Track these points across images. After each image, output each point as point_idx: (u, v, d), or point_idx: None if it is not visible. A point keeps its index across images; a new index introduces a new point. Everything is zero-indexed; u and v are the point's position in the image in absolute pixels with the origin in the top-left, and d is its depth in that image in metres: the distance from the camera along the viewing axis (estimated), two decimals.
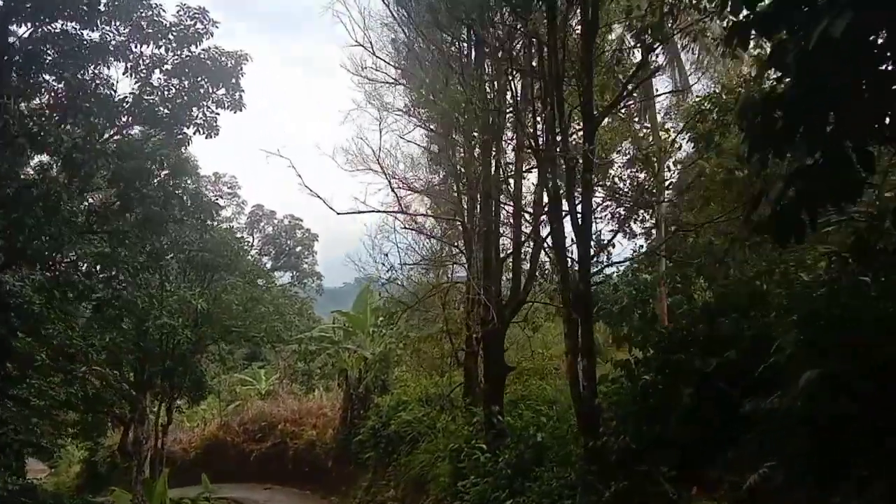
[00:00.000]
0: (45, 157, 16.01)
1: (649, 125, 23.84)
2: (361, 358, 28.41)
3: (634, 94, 13.70)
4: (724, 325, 8.79)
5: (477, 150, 14.04)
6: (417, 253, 17.17)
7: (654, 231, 28.41)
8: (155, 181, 15.31)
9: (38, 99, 16.30)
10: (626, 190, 25.66)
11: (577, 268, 10.92)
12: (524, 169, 14.55)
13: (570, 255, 11.38)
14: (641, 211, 27.69)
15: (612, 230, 29.13)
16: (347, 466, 27.49)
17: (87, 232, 15.25)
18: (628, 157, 24.17)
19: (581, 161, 10.23)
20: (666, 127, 20.73)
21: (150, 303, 21.28)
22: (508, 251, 15.58)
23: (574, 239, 11.16)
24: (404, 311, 17.87)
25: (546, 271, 19.77)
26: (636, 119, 22.69)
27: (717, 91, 15.71)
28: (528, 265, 14.94)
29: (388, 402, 23.99)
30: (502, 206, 15.09)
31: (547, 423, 13.88)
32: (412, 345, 25.20)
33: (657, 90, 21.46)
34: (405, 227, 16.36)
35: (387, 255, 16.47)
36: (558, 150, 10.37)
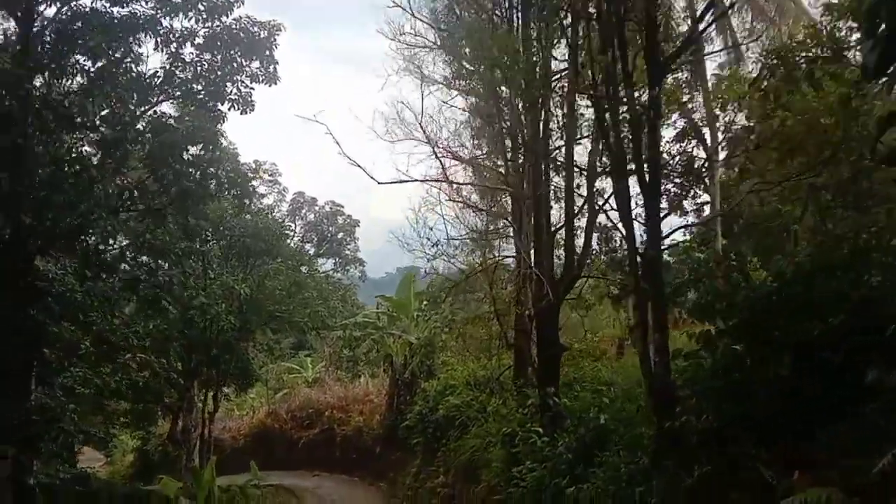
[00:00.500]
0: (78, 138, 15.27)
1: (701, 95, 22.33)
2: (406, 343, 27.45)
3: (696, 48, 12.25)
4: (824, 287, 7.46)
5: (524, 109, 12.74)
6: (464, 226, 16.00)
7: (706, 207, 26.85)
8: (189, 157, 14.43)
9: (70, 80, 15.56)
10: (676, 165, 24.20)
11: (644, 232, 9.64)
12: (577, 130, 13.25)
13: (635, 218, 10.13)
14: (693, 187, 26.27)
15: (662, 208, 27.60)
16: (395, 452, 26.62)
17: (120, 210, 14.47)
18: (678, 129, 22.70)
19: (648, 110, 8.94)
20: (719, 94, 19.22)
21: (194, 289, 20.62)
22: (560, 223, 14.30)
23: (638, 201, 9.94)
24: (450, 291, 16.77)
25: (602, 243, 18.54)
26: (685, 90, 21.14)
27: (786, 44, 14.28)
28: (583, 237, 13.68)
29: (434, 386, 22.94)
30: (553, 171, 13.83)
31: (609, 404, 12.63)
32: (458, 328, 24.19)
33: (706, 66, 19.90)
34: (450, 199, 15.21)
35: (431, 228, 15.35)
36: (623, 97, 9.11)
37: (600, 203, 13.78)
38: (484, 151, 15.52)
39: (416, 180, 14.57)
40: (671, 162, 23.98)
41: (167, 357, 26.53)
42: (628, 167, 9.62)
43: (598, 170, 13.02)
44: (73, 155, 13.91)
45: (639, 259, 9.69)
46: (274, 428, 33.36)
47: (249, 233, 21.52)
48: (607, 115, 9.64)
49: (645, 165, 9.31)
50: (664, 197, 27.25)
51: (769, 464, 7.55)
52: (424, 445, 23.07)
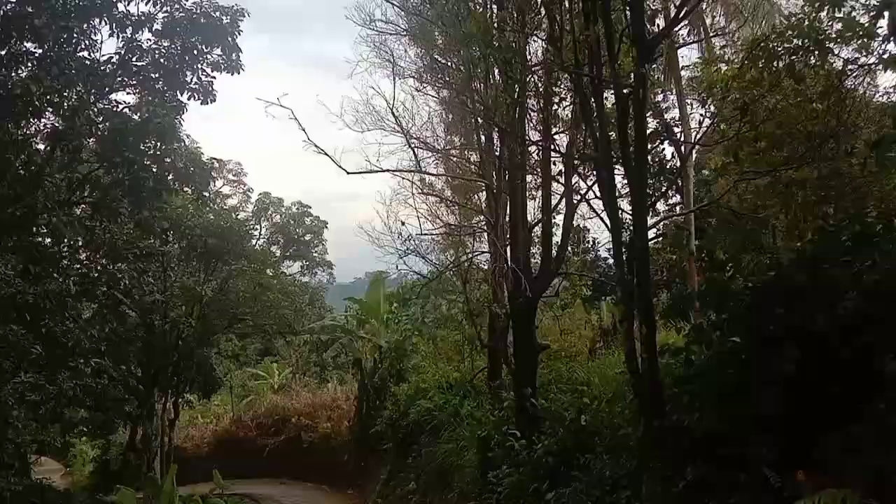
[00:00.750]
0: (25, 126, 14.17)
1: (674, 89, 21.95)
2: (376, 347, 26.64)
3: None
4: (833, 273, 6.89)
5: (501, 93, 12.02)
6: (440, 220, 15.27)
7: (678, 208, 26.50)
8: (145, 148, 13.44)
9: (19, 67, 14.47)
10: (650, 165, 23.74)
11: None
12: (556, 117, 12.61)
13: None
14: (664, 188, 25.91)
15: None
16: (364, 459, 25.75)
17: (70, 203, 13.41)
18: (650, 130, 22.25)
19: (636, 90, 8.32)
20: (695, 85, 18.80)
21: (153, 292, 19.55)
22: (537, 218, 13.66)
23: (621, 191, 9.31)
24: (422, 288, 15.98)
25: (574, 243, 17.95)
26: (657, 89, 20.69)
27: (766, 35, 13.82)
28: (561, 233, 13.04)
29: (405, 390, 22.15)
30: (529, 166, 13.18)
31: (590, 404, 11.99)
32: (430, 329, 23.46)
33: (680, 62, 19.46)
34: (423, 192, 14.49)
35: (403, 223, 14.60)
36: (608, 78, 8.48)
37: (579, 196, 13.13)
38: (458, 143, 14.82)
39: (387, 170, 13.82)
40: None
41: (126, 363, 25.32)
42: (613, 153, 9.01)
43: (577, 160, 12.37)
44: (19, 143, 12.84)
45: (624, 251, 9.06)
46: (239, 435, 32.22)
47: (212, 232, 20.51)
48: (591, 98, 9.03)
49: (632, 150, 8.69)
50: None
51: (773, 465, 6.95)
52: (395, 451, 22.26)
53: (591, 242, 25.73)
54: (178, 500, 21.05)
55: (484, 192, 14.31)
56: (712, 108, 16.69)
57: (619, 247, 8.99)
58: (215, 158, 23.50)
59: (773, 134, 11.03)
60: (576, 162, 12.95)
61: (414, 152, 13.69)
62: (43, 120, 14.34)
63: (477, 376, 17.96)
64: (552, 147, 12.52)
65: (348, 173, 13.58)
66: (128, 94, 14.17)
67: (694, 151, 21.94)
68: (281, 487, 28.31)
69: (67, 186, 13.22)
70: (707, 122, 17.88)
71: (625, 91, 8.63)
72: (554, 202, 13.36)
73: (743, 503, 7.09)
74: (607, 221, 9.35)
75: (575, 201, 12.92)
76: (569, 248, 16.92)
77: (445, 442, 17.50)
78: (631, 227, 9.61)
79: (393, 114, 13.22)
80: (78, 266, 17.05)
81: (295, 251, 29.54)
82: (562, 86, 11.64)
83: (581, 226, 20.15)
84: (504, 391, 17.04)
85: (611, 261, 25.40)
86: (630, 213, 9.49)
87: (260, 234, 28.28)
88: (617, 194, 9.93)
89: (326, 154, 13.37)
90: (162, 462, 23.85)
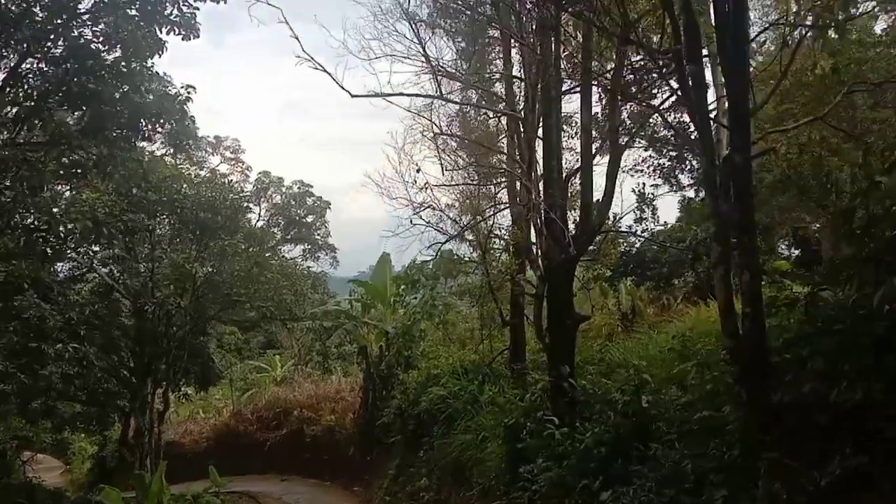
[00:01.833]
0: None
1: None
2: (382, 333, 24.17)
3: None
4: None
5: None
6: (466, 159, 12.66)
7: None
8: (119, 93, 11.00)
9: None
10: (670, 137, 21.26)
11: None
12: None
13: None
14: (689, 160, 23.43)
15: (654, 185, 24.58)
16: (371, 453, 23.26)
17: (14, 145, 10.93)
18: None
19: None
20: None
21: (141, 272, 17.12)
22: (575, 166, 11.18)
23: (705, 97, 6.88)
24: (439, 249, 13.52)
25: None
26: None
27: None
28: (605, 181, 10.58)
29: (414, 378, 19.67)
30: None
31: (649, 383, 9.54)
32: (441, 312, 21.04)
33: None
34: (441, 133, 12.00)
35: (419, 169, 12.12)
36: None
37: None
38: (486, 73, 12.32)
39: (402, 94, 11.26)
40: (667, 134, 21.19)
41: (115, 351, 22.91)
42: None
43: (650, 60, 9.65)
44: None
45: (718, 175, 6.62)
46: (238, 430, 29.68)
47: (203, 205, 18.09)
48: None
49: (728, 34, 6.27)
50: (658, 173, 24.67)
51: None
52: (404, 444, 19.78)
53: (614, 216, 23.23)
54: (169, 499, 18.62)
55: (507, 140, 11.79)
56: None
57: (711, 167, 6.57)
58: (217, 137, 20.97)
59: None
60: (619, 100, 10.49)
61: (435, 74, 11.15)
62: None
63: (496, 359, 15.52)
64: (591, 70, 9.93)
65: (352, 96, 11.05)
66: (98, 29, 11.65)
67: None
68: (282, 484, 25.83)
69: (13, 121, 10.72)
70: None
71: None
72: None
73: None
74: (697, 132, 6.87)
75: (622, 141, 10.45)
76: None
77: (462, 433, 15.04)
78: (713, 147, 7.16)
79: (411, 23, 10.69)
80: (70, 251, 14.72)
81: (296, 234, 27.06)
82: None
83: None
84: (529, 374, 14.63)
85: (632, 238, 23.24)
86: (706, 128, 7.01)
87: (259, 216, 25.71)
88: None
89: (326, 71, 10.87)
90: (151, 458, 21.34)
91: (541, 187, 10.30)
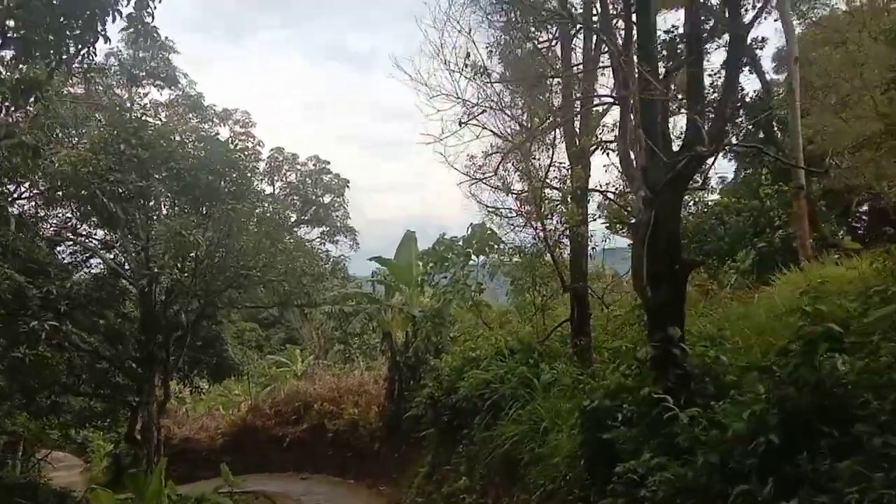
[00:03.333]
0: None
1: None
2: (408, 317, 20.93)
3: None
4: None
5: None
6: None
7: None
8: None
9: None
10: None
11: None
12: None
13: None
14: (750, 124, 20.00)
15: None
16: (399, 449, 20.01)
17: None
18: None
19: None
20: None
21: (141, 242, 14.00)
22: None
23: None
24: (508, 151, 10.14)
25: None
26: None
27: None
28: (724, 74, 7.27)
29: (449, 363, 16.39)
30: None
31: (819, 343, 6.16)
32: (473, 292, 17.78)
33: None
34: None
35: (468, 54, 8.80)
36: None
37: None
38: None
39: None
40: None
41: (122, 342, 19.84)
42: None
43: None
44: None
45: None
46: (256, 425, 26.53)
47: (207, 164, 14.94)
48: None
49: None
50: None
51: None
52: (438, 438, 16.49)
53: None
54: (169, 500, 15.47)
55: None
56: None
57: None
58: (226, 109, 17.79)
59: None
60: None
61: None
62: None
63: (553, 334, 12.23)
64: None
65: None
66: None
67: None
68: (302, 483, 22.61)
69: None
70: None
71: None
72: None
73: None
74: None
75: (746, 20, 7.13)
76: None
77: (513, 423, 11.75)
78: None
79: None
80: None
81: (314, 215, 23.87)
82: None
83: None
84: (596, 352, 11.34)
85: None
86: None
87: (273, 196, 22.50)
88: None
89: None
90: (150, 455, 18.19)
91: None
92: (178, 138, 15.04)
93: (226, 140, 15.83)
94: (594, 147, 11.27)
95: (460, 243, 19.72)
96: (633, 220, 7.40)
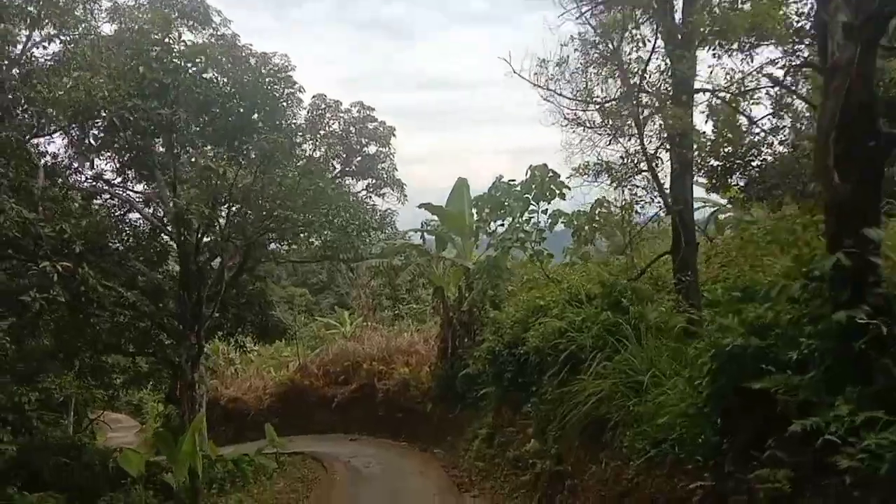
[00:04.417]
0: None
1: None
2: (462, 270, 18.72)
3: None
4: None
5: None
6: None
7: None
8: None
9: None
10: None
11: None
12: None
13: None
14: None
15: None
16: (453, 409, 18.04)
17: None
18: None
19: None
20: None
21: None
22: None
23: None
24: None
25: None
26: None
27: None
28: None
29: (511, 314, 14.15)
30: None
31: None
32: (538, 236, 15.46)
33: None
34: None
35: None
36: None
37: None
38: None
39: None
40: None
41: (162, 297, 18.23)
42: None
43: None
44: None
45: None
46: (304, 385, 24.97)
47: (238, 91, 12.85)
48: None
49: None
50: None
51: None
52: (499, 397, 14.38)
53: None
54: (204, 462, 13.75)
55: None
56: None
57: None
58: (265, 53, 15.58)
59: None
60: None
61: None
62: None
63: (653, 265, 9.83)
64: None
65: None
66: None
67: None
68: (351, 445, 20.86)
69: None
70: None
71: None
72: None
73: None
74: None
75: None
76: None
77: (598, 376, 9.43)
78: None
79: None
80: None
81: (359, 165, 21.78)
82: None
83: None
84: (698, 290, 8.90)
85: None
86: None
87: (316, 146, 20.35)
88: None
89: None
90: (186, 414, 16.55)
91: None
92: (204, 60, 12.93)
93: (256, 67, 13.63)
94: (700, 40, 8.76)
95: (518, 188, 17.36)
96: (826, 67, 4.90)
